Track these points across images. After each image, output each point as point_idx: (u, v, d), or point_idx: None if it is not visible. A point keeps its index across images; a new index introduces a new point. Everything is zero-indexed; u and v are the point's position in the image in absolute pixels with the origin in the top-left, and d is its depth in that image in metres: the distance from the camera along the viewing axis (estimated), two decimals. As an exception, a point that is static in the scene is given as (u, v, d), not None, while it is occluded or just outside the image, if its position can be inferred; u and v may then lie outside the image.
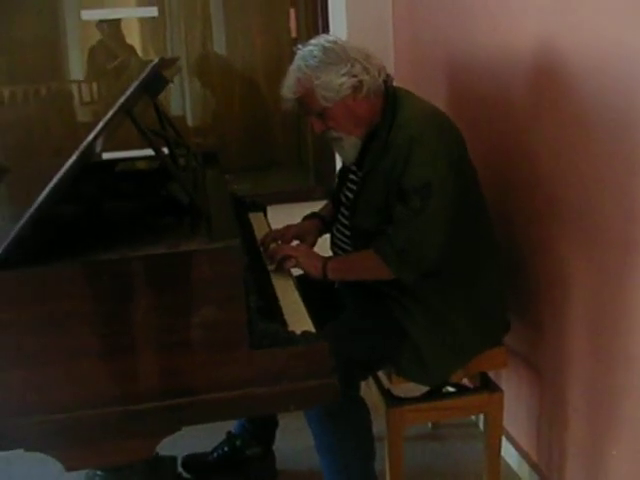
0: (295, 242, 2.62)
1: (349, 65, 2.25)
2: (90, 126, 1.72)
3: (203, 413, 1.77)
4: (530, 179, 2.49)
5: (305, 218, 2.76)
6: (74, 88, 4.10)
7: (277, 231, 2.64)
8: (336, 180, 2.70)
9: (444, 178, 2.23)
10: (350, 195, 2.48)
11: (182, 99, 4.23)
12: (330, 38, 2.33)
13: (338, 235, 2.55)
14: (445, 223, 2.25)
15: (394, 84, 2.41)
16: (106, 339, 1.68)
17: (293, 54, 2.35)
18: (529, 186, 2.50)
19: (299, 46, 2.36)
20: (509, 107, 2.57)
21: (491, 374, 2.63)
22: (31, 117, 4.05)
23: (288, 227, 2.66)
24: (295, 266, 2.35)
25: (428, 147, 2.22)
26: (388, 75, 2.36)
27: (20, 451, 1.74)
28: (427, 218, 2.23)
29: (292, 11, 3.95)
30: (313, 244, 2.65)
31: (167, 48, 4.09)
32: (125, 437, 1.75)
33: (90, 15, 3.86)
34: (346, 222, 2.49)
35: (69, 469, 1.78)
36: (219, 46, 4.15)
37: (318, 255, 2.42)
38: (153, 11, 3.91)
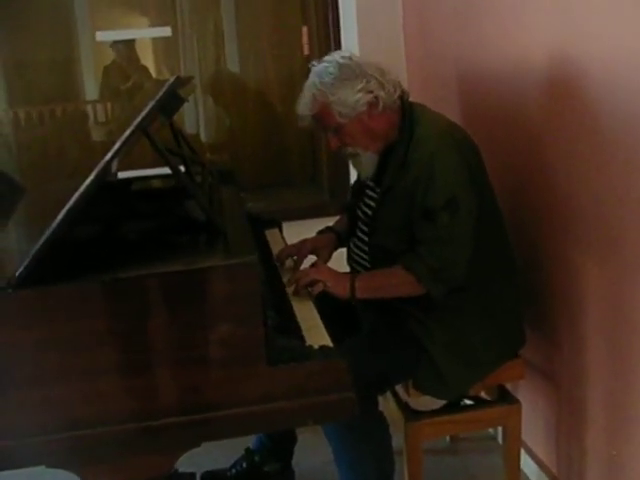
0: (310, 257, 2.62)
1: (364, 81, 2.25)
2: (106, 146, 1.74)
3: (222, 429, 1.78)
4: (544, 190, 2.49)
5: (320, 232, 2.75)
6: (89, 108, 4.13)
7: (293, 246, 2.65)
8: (350, 193, 2.69)
9: (467, 192, 2.24)
10: (369, 212, 2.47)
11: (196, 117, 4.25)
12: (345, 54, 2.33)
13: (356, 250, 2.54)
14: (470, 239, 2.27)
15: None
16: (125, 356, 1.70)
17: (308, 71, 2.35)
18: (543, 198, 2.50)
19: (314, 63, 2.35)
20: (522, 120, 2.57)
21: (508, 386, 2.63)
22: (47, 137, 4.08)
23: (304, 241, 2.65)
24: (323, 290, 2.32)
25: (449, 163, 2.23)
26: (404, 90, 2.36)
27: (41, 468, 1.76)
28: (457, 234, 2.24)
29: (304, 28, 3.96)
30: (328, 259, 2.64)
31: (180, 67, 4.11)
32: (144, 453, 1.77)
33: (104, 36, 3.90)
34: (364, 238, 2.48)
35: (90, 485, 1.79)
36: (232, 64, 4.17)
37: (343, 275, 2.38)
38: (167, 31, 3.94)
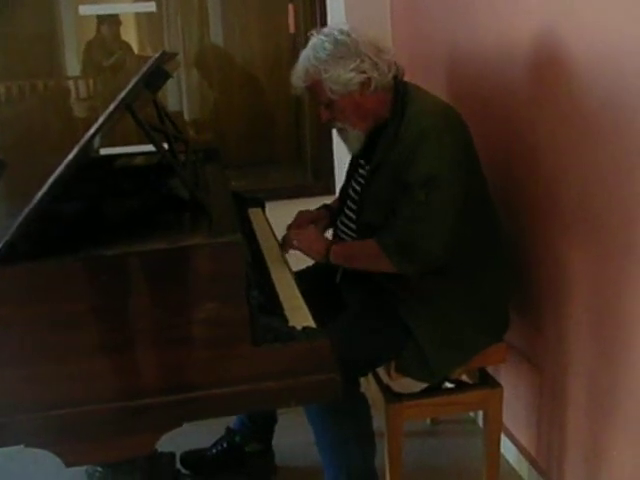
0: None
1: (358, 61, 2.25)
2: (88, 122, 1.71)
3: (204, 409, 1.77)
4: (531, 174, 2.48)
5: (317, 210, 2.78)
6: (71, 84, 4.08)
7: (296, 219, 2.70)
8: (345, 176, 2.70)
9: (450, 173, 2.23)
10: (358, 189, 2.49)
11: (179, 94, 4.21)
12: (344, 29, 2.31)
13: (342, 227, 2.56)
14: (449, 219, 2.25)
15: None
16: (107, 335, 1.68)
17: (295, 46, 2.36)
18: (530, 181, 2.50)
19: (313, 32, 2.36)
20: (510, 100, 2.57)
21: (490, 370, 2.63)
22: (28, 113, 4.03)
23: (301, 213, 2.71)
24: (296, 248, 2.41)
25: (435, 142, 2.22)
26: (399, 70, 2.36)
27: (20, 447, 1.74)
28: (431, 211, 2.23)
29: (290, 6, 3.93)
30: (323, 231, 2.66)
31: (164, 44, 4.07)
32: (126, 433, 1.75)
33: (88, 10, 3.85)
34: (352, 215, 2.50)
35: (69, 465, 1.77)
36: (216, 41, 4.13)
37: (322, 238, 2.45)
38: (151, 6, 3.89)
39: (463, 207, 2.26)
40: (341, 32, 2.29)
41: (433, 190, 2.21)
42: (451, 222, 2.26)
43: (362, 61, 2.25)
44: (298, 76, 2.34)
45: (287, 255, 2.48)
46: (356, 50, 2.25)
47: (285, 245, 2.48)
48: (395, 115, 2.31)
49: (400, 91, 2.34)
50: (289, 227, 2.64)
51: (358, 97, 2.29)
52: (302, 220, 2.66)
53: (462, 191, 2.26)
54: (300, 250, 2.43)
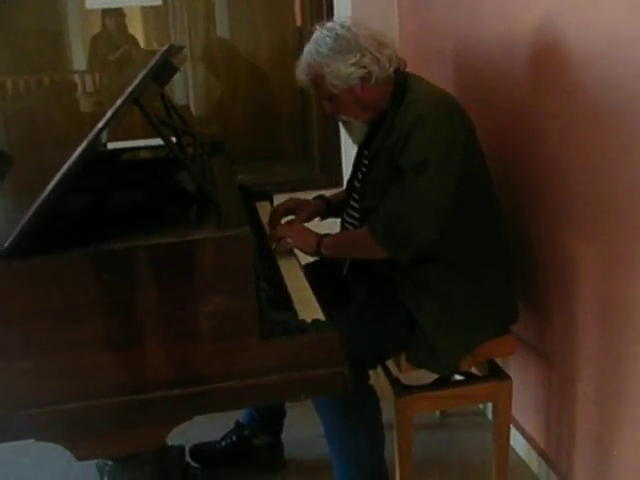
0: (289, 217, 2.69)
1: (359, 55, 2.25)
2: (94, 116, 1.70)
3: (214, 402, 1.77)
4: (536, 165, 2.47)
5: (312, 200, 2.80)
6: (77, 78, 4.08)
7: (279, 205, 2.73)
8: (351, 168, 2.70)
9: (441, 159, 2.22)
10: (361, 177, 2.51)
11: (185, 89, 4.21)
12: (346, 24, 2.31)
13: (348, 219, 2.57)
14: (437, 202, 2.24)
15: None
16: (115, 329, 1.68)
17: (301, 40, 2.36)
18: (535, 172, 2.49)
19: (317, 26, 2.37)
20: (514, 91, 2.56)
21: (499, 362, 2.63)
22: (34, 107, 4.04)
23: (286, 201, 2.73)
24: (290, 245, 2.42)
25: (430, 128, 2.22)
26: (400, 63, 2.36)
27: (30, 441, 1.74)
28: (417, 193, 2.22)
29: (297, -1, 3.94)
30: (305, 220, 2.67)
31: (170, 38, 4.06)
32: (136, 426, 1.75)
33: (95, 4, 3.84)
34: (356, 205, 2.51)
35: (79, 459, 1.78)
36: (222, 35, 4.13)
37: (312, 232, 2.46)
38: (157, -1, 3.89)
39: (455, 194, 2.25)
40: (342, 26, 2.30)
41: (422, 173, 2.21)
42: (439, 205, 2.25)
43: (363, 55, 2.26)
44: (301, 69, 2.36)
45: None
46: (356, 45, 2.26)
47: (280, 245, 2.44)
48: (394, 104, 2.32)
49: (401, 83, 2.34)
50: (273, 213, 2.67)
51: (359, 91, 2.31)
52: (279, 213, 2.68)
53: (453, 177, 2.25)
54: (293, 247, 2.43)
